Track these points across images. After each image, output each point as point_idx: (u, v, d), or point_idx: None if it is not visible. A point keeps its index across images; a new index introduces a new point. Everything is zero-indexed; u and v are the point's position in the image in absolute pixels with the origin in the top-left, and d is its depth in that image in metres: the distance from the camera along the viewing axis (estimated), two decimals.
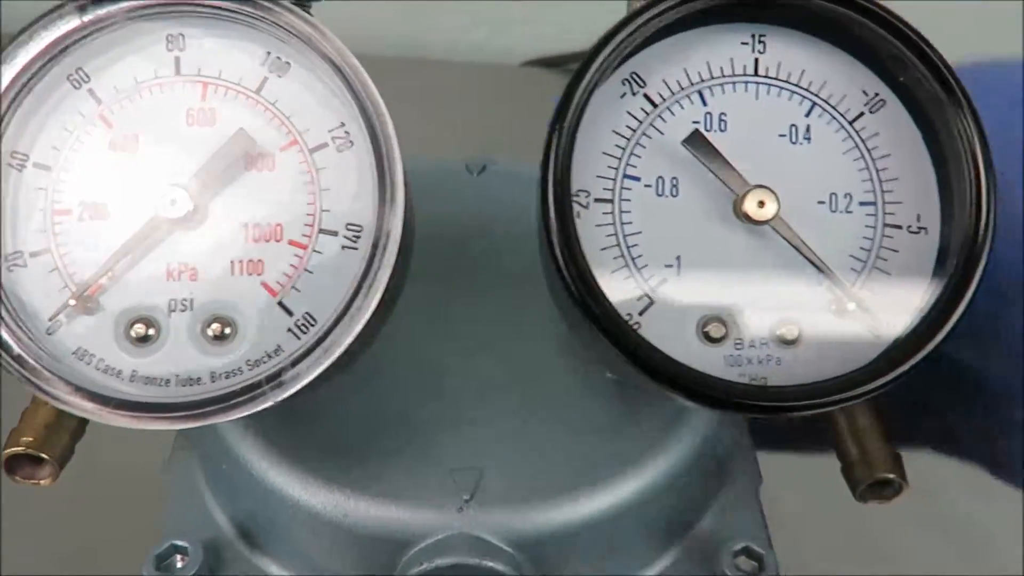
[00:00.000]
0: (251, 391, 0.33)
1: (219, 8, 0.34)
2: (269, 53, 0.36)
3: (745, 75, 0.36)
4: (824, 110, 0.36)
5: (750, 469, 0.46)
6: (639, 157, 0.36)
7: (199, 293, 0.35)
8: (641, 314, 0.35)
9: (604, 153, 0.36)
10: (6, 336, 0.34)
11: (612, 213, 0.35)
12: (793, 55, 0.36)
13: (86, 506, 0.52)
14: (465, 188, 0.51)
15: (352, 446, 0.40)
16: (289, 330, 0.35)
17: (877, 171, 0.36)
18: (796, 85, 0.36)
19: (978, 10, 1.09)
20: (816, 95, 0.36)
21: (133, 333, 0.35)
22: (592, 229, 0.35)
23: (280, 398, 0.33)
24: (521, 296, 0.44)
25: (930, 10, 1.15)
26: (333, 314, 0.34)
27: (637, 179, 0.36)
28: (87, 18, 0.34)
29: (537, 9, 0.88)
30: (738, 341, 0.35)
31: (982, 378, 0.45)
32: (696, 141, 0.35)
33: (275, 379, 0.33)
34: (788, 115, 0.36)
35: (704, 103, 0.36)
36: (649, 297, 0.35)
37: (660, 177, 0.36)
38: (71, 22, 0.34)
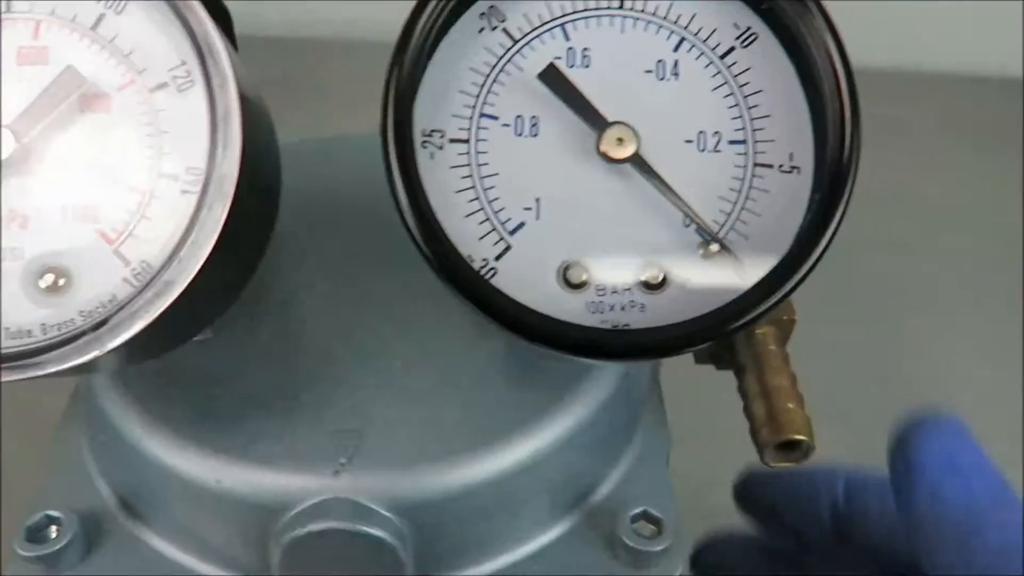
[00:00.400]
0: (77, 339, 0.31)
1: None
2: None
3: (610, 8, 0.35)
4: (693, 44, 0.35)
5: (659, 433, 0.45)
6: (497, 95, 0.34)
7: (30, 242, 0.33)
8: (498, 259, 0.34)
9: (460, 92, 0.34)
10: None
11: (468, 154, 0.34)
12: None
13: None
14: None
15: (228, 411, 0.39)
16: (125, 279, 0.33)
17: (748, 108, 0.34)
18: (663, 18, 0.35)
19: (978, 10, 1.09)
20: (684, 28, 0.35)
21: None
22: (446, 171, 0.34)
23: (108, 346, 0.31)
24: (412, 256, 0.42)
25: (931, 10, 1.14)
26: (165, 260, 0.32)
27: (495, 118, 0.34)
28: None
29: None
30: (600, 287, 0.34)
31: None
32: (551, 76, 0.33)
33: (100, 326, 0.31)
34: (655, 50, 0.35)
35: (567, 38, 0.34)
36: (507, 242, 0.34)
37: (519, 116, 0.34)
38: None
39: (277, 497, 0.36)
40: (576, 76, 0.34)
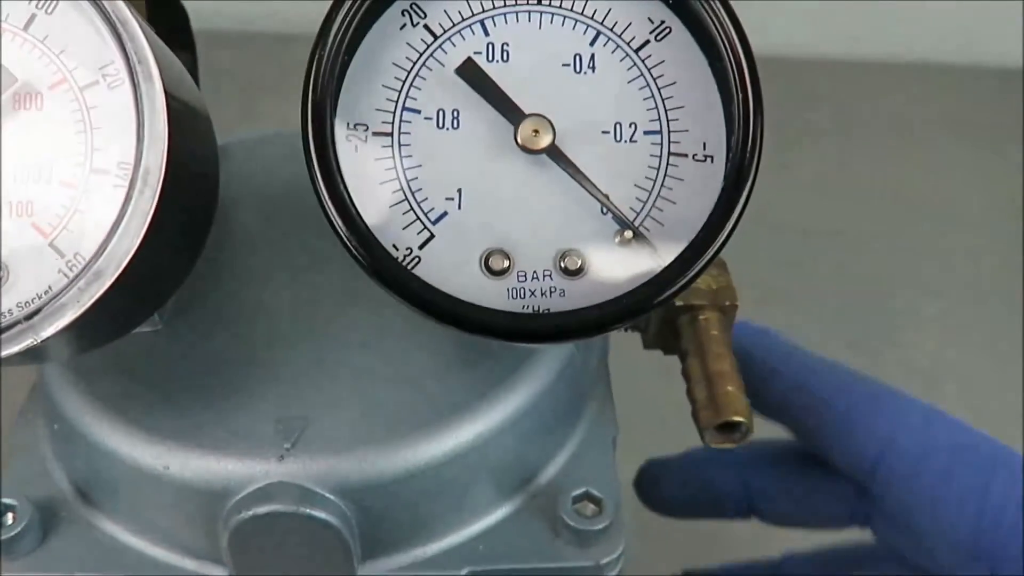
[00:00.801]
0: (11, 328, 0.32)
1: None
2: None
3: (528, 3, 0.36)
4: (609, 39, 0.36)
5: (605, 417, 0.46)
6: (419, 90, 0.35)
7: None
8: (422, 248, 0.35)
9: (384, 86, 0.35)
10: None
11: (391, 147, 0.35)
12: None
13: None
14: None
15: (177, 398, 0.40)
16: (60, 271, 0.34)
17: (663, 99, 0.36)
18: (580, 13, 0.36)
19: (978, 9, 1.10)
20: (600, 23, 0.36)
21: None
22: (371, 163, 0.35)
23: (42, 335, 0.32)
24: None
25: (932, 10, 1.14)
26: (95, 251, 0.33)
27: (417, 112, 0.35)
28: None
29: None
30: (521, 273, 0.35)
31: None
32: (468, 71, 0.34)
33: (34, 315, 0.32)
34: (572, 44, 0.36)
35: (486, 33, 0.35)
36: (430, 231, 0.35)
37: (441, 109, 0.35)
38: None
39: (223, 482, 0.37)
40: (495, 70, 0.35)
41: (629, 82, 0.36)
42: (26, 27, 0.35)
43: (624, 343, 0.49)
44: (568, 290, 0.35)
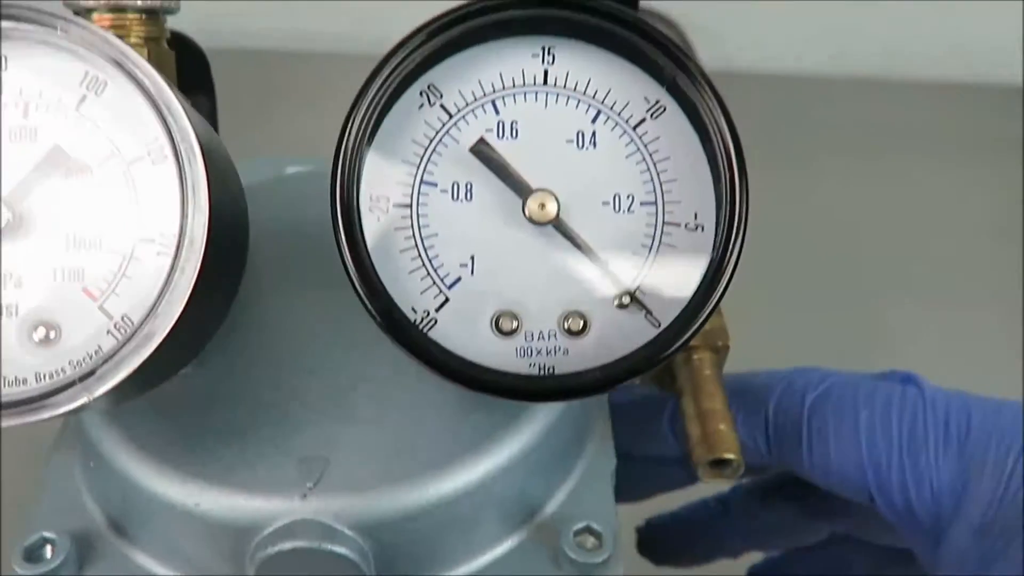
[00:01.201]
0: (67, 388, 0.36)
1: (34, 28, 0.37)
2: (87, 73, 0.38)
3: (535, 85, 0.39)
4: (609, 116, 0.39)
5: (605, 450, 0.48)
6: (436, 164, 0.39)
7: (24, 299, 0.37)
8: (438, 311, 0.38)
9: (404, 161, 0.38)
10: None
11: (410, 217, 0.38)
12: (580, 65, 0.39)
13: None
14: None
15: (207, 438, 0.43)
16: (108, 332, 0.37)
17: (658, 173, 0.39)
18: (583, 93, 0.39)
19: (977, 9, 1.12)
20: (601, 103, 0.39)
21: None
22: (392, 233, 0.38)
23: (96, 393, 0.36)
24: None
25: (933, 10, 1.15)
26: (144, 314, 0.36)
27: (434, 184, 0.38)
28: None
29: None
30: (528, 333, 0.38)
31: None
32: (481, 149, 0.38)
33: (88, 376, 0.36)
34: (575, 122, 0.39)
35: (497, 112, 0.39)
36: (445, 295, 0.38)
37: (456, 182, 0.39)
38: None
39: (250, 519, 0.40)
40: (505, 146, 0.38)
41: (627, 157, 0.39)
42: (78, 107, 0.38)
43: None
44: (572, 349, 0.38)
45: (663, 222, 0.39)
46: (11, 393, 0.37)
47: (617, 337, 0.38)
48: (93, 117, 0.38)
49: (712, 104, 0.37)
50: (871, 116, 1.15)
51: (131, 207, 0.38)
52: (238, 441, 0.42)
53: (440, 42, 0.37)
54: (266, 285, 0.48)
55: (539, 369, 0.38)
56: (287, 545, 0.39)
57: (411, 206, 0.38)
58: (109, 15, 0.44)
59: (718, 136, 0.37)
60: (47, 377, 0.37)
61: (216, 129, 0.58)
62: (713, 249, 0.37)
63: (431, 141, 0.39)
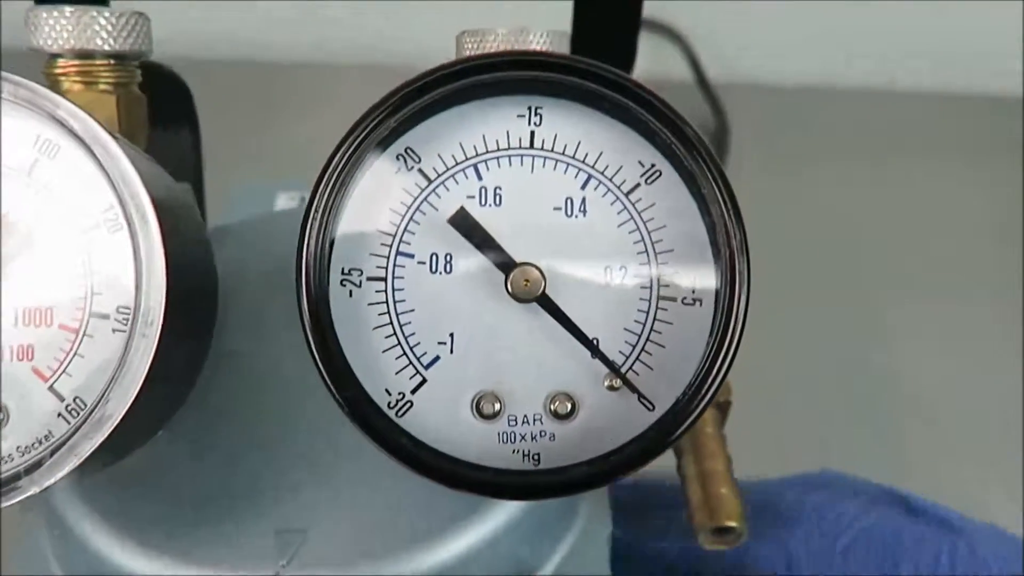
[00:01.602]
0: (12, 482, 0.33)
1: None
2: (39, 136, 0.35)
3: (521, 148, 0.36)
4: (600, 182, 0.36)
5: (600, 514, 0.46)
6: (413, 234, 0.36)
7: None
8: (414, 392, 0.35)
9: (378, 231, 0.36)
10: None
11: (385, 291, 0.35)
12: (569, 127, 0.36)
13: None
14: None
15: (176, 512, 0.40)
16: (59, 415, 0.35)
17: (652, 243, 0.36)
18: (572, 157, 0.36)
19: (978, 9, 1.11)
20: (592, 167, 0.36)
21: None
22: (364, 308, 0.35)
23: (45, 484, 0.33)
24: None
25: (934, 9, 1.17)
26: (98, 396, 0.34)
27: (411, 256, 0.36)
28: None
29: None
30: (512, 417, 0.35)
31: None
32: (460, 220, 0.35)
33: (35, 468, 0.33)
34: (563, 188, 0.36)
35: (479, 177, 0.36)
36: (422, 375, 0.35)
37: (434, 254, 0.36)
38: None
39: None
40: (488, 214, 0.36)
41: (619, 225, 0.36)
42: (29, 172, 0.35)
43: None
44: (558, 434, 0.35)
45: (658, 296, 0.36)
46: None
47: (608, 421, 0.35)
48: (45, 182, 0.35)
49: (711, 172, 0.34)
50: (873, 124, 1.15)
51: (84, 280, 0.35)
52: (209, 515, 0.40)
53: (418, 105, 0.34)
54: (244, 332, 0.46)
55: (523, 456, 0.35)
56: None
57: (386, 279, 0.35)
58: (76, 61, 0.42)
59: (717, 205, 0.34)
60: None
61: (200, 160, 0.56)
62: (712, 326, 0.35)
63: (408, 208, 0.36)
